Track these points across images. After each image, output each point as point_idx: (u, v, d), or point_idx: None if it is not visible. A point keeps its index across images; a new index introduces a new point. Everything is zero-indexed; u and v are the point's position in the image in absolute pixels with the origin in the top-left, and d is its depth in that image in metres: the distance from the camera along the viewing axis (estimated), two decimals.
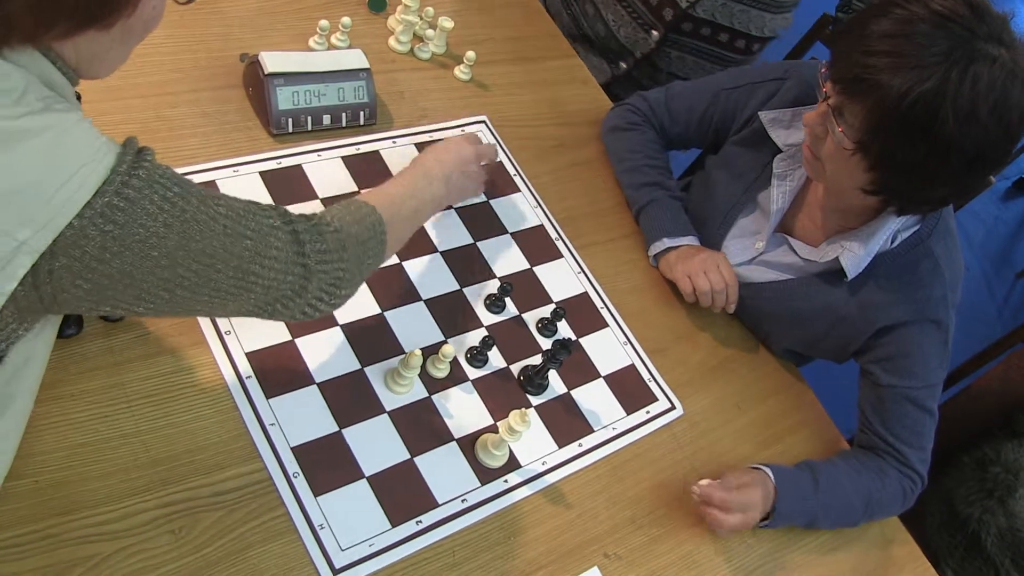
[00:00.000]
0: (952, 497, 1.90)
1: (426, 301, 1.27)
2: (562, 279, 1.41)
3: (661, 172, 1.52)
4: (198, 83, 1.33)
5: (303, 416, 1.10)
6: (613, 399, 1.31)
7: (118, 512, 0.95)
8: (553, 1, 1.95)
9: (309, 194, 1.30)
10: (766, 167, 1.40)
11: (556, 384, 1.28)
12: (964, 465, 1.93)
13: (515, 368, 1.27)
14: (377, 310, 1.23)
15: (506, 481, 1.16)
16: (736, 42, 1.81)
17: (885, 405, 1.33)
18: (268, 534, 1.00)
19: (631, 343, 1.39)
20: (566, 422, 1.25)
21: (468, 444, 1.17)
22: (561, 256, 1.44)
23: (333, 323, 1.19)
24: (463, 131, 1.51)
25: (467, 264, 1.34)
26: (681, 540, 1.22)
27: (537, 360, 1.27)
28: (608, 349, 1.36)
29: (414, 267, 1.30)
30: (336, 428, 1.11)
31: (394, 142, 1.43)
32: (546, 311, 1.34)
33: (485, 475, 1.16)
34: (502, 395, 1.23)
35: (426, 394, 1.19)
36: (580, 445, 1.24)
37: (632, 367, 1.36)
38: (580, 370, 1.32)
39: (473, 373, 1.24)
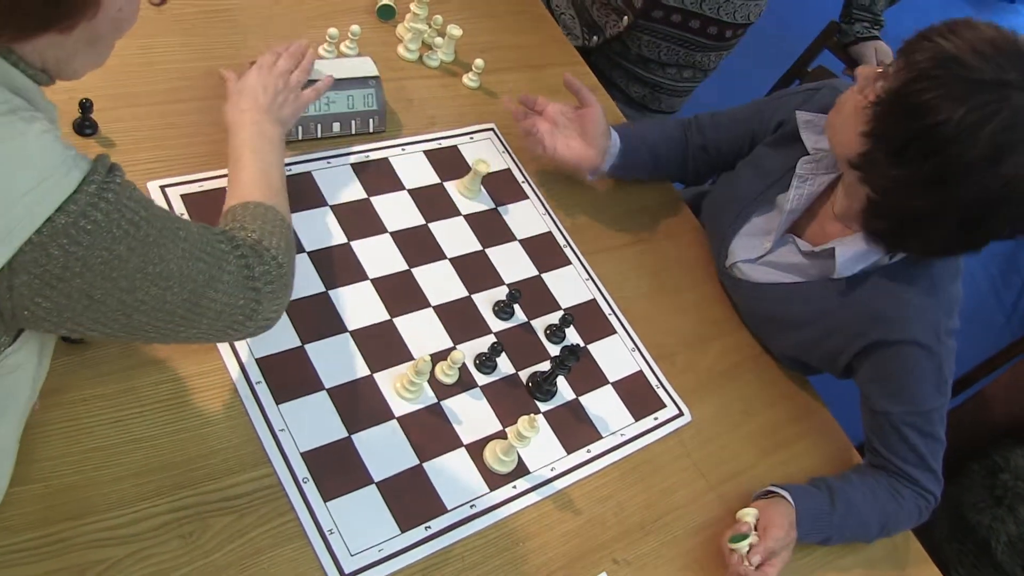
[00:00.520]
0: (961, 505, 1.90)
1: (435, 308, 1.28)
2: (570, 286, 1.41)
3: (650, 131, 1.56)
4: (208, 91, 1.33)
5: (313, 422, 1.10)
6: (621, 405, 1.31)
7: (129, 516, 0.95)
8: None
9: (319, 201, 1.31)
10: (790, 170, 1.41)
11: (564, 390, 1.29)
12: (973, 472, 1.93)
13: (524, 374, 1.27)
14: (386, 316, 1.24)
15: (515, 487, 1.17)
16: (708, 28, 1.83)
17: (885, 432, 1.32)
18: (278, 539, 1.01)
19: (639, 349, 1.39)
20: (574, 428, 1.26)
21: (477, 450, 1.17)
22: (569, 263, 1.44)
23: (342, 329, 1.20)
24: (471, 138, 1.52)
25: (476, 271, 1.35)
26: (690, 546, 1.22)
27: (545, 366, 1.28)
28: (616, 356, 1.36)
29: (423, 274, 1.31)
30: (346, 434, 1.11)
31: (403, 149, 1.44)
32: (554, 318, 1.35)
33: (494, 481, 1.16)
34: (511, 401, 1.24)
35: (435, 400, 1.19)
36: (588, 451, 1.24)
37: (640, 373, 1.36)
38: (588, 376, 1.32)
39: (482, 379, 1.24)
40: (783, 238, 1.42)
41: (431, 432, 1.16)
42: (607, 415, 1.29)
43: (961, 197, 1.12)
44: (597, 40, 1.92)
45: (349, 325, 1.20)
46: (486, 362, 1.25)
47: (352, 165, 1.38)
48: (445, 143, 1.49)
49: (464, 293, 1.32)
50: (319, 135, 1.37)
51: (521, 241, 1.42)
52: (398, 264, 1.30)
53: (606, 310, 1.41)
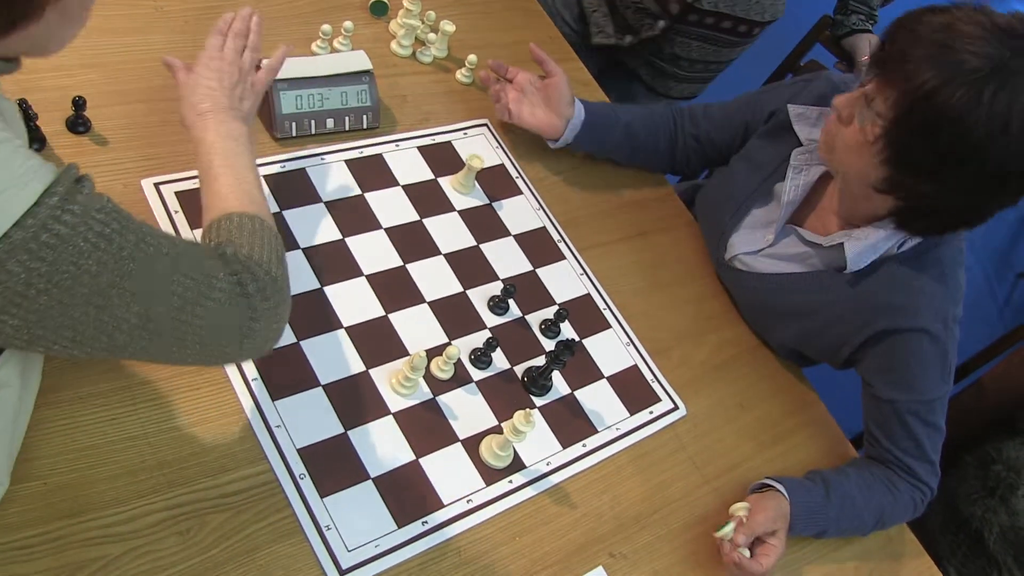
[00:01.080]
0: (954, 496, 1.90)
1: (430, 303, 1.28)
2: (564, 281, 1.41)
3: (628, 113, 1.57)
4: None
5: (309, 418, 1.10)
6: (616, 400, 1.31)
7: (126, 514, 0.95)
8: None
9: (313, 197, 1.30)
10: (785, 160, 1.41)
11: (560, 385, 1.29)
12: (966, 464, 1.93)
13: (519, 369, 1.28)
14: (381, 312, 1.24)
15: (511, 481, 1.17)
16: (739, 27, 1.89)
17: (889, 421, 1.32)
18: (275, 535, 1.01)
19: (634, 344, 1.39)
20: (570, 423, 1.26)
21: (473, 445, 1.18)
22: (564, 258, 1.44)
23: (338, 325, 1.20)
24: (465, 134, 1.52)
25: (470, 266, 1.35)
26: (686, 540, 1.23)
27: (540, 361, 1.28)
28: (611, 350, 1.37)
29: (418, 270, 1.31)
30: (342, 430, 1.11)
31: (397, 145, 1.44)
32: (549, 312, 1.35)
33: (490, 476, 1.16)
34: (506, 396, 1.24)
35: (431, 395, 1.19)
36: (584, 445, 1.25)
37: (635, 368, 1.36)
38: (583, 371, 1.32)
39: (477, 374, 1.24)
40: (785, 229, 1.43)
41: (427, 427, 1.16)
42: (602, 409, 1.29)
43: (995, 172, 1.12)
44: (631, 40, 1.95)
45: (344, 321, 1.20)
46: (481, 357, 1.25)
47: (346, 161, 1.38)
48: (439, 139, 1.49)
49: (459, 288, 1.32)
50: (313, 131, 1.37)
51: (515, 236, 1.43)
52: (393, 260, 1.30)
53: (600, 305, 1.41)
